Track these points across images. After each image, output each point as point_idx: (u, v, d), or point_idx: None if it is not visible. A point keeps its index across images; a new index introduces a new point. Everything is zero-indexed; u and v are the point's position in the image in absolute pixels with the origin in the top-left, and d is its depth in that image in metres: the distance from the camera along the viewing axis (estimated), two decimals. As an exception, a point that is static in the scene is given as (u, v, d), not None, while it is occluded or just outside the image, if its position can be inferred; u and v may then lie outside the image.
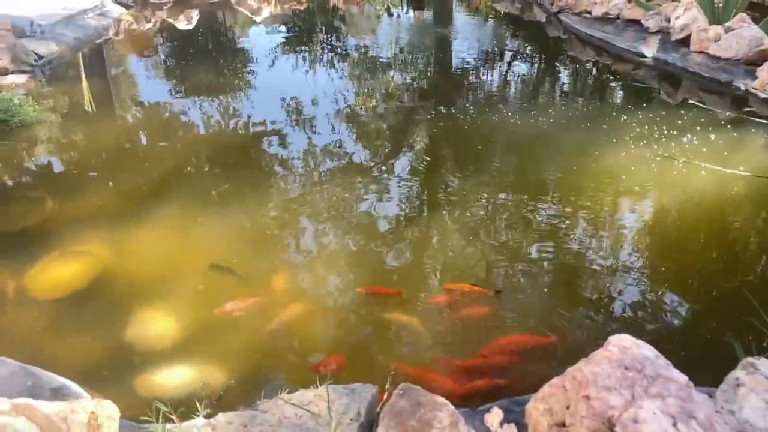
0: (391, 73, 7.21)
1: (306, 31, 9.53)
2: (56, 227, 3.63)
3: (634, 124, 5.14)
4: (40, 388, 2.04)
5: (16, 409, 1.54)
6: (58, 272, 3.24)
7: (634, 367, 1.55)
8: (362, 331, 2.84)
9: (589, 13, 8.44)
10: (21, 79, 6.24)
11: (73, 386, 2.15)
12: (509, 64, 7.75)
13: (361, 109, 5.90)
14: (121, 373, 2.53)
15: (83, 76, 6.89)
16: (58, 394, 2.03)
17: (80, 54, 7.67)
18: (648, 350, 1.62)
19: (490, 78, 7.13)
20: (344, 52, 8.34)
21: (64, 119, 5.46)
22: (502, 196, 4.07)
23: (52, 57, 7.14)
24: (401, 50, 8.38)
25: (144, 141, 5.19)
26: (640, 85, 6.46)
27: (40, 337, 2.77)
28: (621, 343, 1.63)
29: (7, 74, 6.14)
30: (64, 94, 6.15)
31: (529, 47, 8.75)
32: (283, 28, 9.58)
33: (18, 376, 2.06)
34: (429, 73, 7.39)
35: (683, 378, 1.58)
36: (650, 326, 2.85)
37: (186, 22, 9.71)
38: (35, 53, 6.81)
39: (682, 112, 5.45)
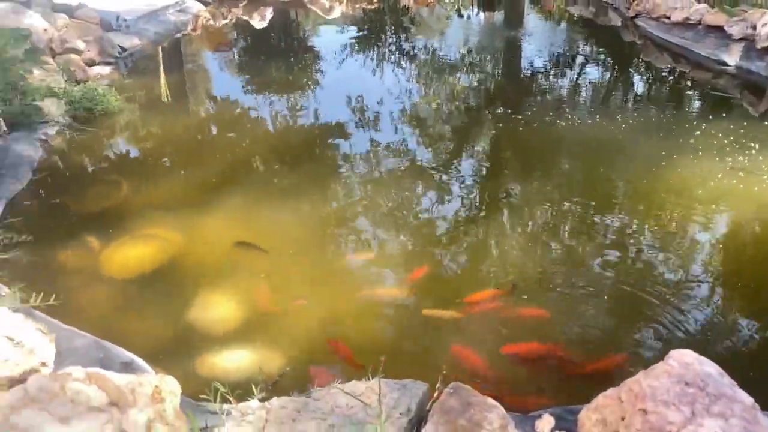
0: (459, 74, 7.18)
1: (376, 31, 9.62)
2: (130, 211, 3.83)
3: (713, 135, 4.90)
4: (110, 360, 2.17)
5: (89, 378, 1.65)
6: (131, 253, 3.42)
7: (695, 384, 1.50)
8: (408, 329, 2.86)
9: (668, 18, 8.11)
10: (106, 70, 6.59)
11: (141, 362, 2.28)
12: (581, 68, 7.56)
13: (427, 109, 5.91)
14: (184, 352, 2.64)
15: (161, 69, 7.21)
16: (127, 367, 2.15)
17: (160, 48, 8.03)
18: (711, 367, 1.57)
19: (560, 83, 6.98)
20: (412, 53, 8.36)
21: (142, 109, 5.74)
22: (566, 204, 3.98)
23: (135, 50, 7.51)
24: (470, 52, 8.32)
25: (215, 133, 5.39)
26: (721, 94, 6.16)
27: (112, 314, 2.93)
28: (682, 358, 1.58)
29: (93, 65, 6.51)
30: (144, 85, 6.46)
31: (603, 52, 8.51)
32: (353, 27, 9.71)
33: (92, 348, 2.20)
34: (497, 76, 7.31)
35: (749, 399, 1.52)
36: (717, 344, 2.74)
37: (260, 19, 9.99)
38: (120, 46, 7.18)
39: (766, 123, 5.17)
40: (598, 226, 3.73)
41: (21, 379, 1.78)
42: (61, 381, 1.62)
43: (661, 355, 1.70)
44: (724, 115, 5.45)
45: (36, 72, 5.28)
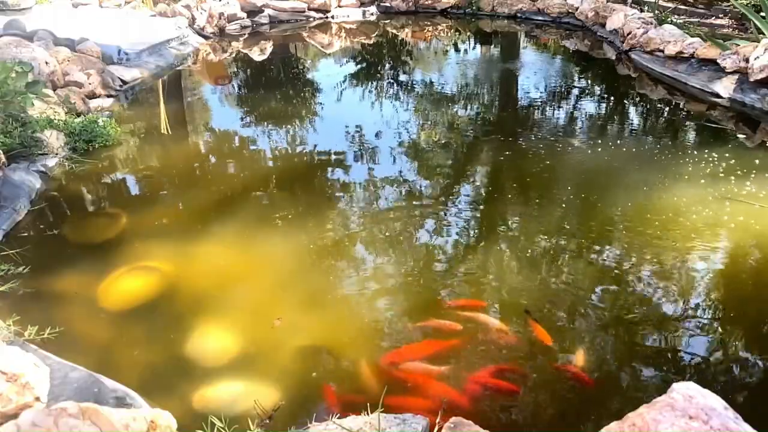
0: (456, 107, 7.25)
1: (373, 65, 9.75)
2: (129, 242, 3.82)
3: (707, 166, 4.95)
4: (104, 394, 2.13)
5: (83, 413, 1.62)
6: (127, 285, 3.40)
7: (699, 417, 1.48)
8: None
9: (662, 51, 8.26)
10: (107, 102, 6.65)
11: (135, 396, 2.24)
12: (576, 100, 7.65)
13: (423, 141, 5.95)
14: (180, 386, 2.60)
15: (161, 101, 7.28)
16: (121, 402, 2.11)
17: (160, 81, 8.12)
18: (715, 400, 1.55)
19: (556, 114, 7.06)
20: (410, 85, 8.46)
21: (142, 141, 5.78)
22: (562, 233, 3.99)
23: (135, 83, 7.59)
24: (467, 84, 8.43)
25: (213, 164, 5.41)
26: (714, 125, 6.23)
27: (108, 347, 2.90)
28: (685, 391, 1.56)
29: (94, 97, 6.57)
30: (144, 117, 6.51)
31: (598, 84, 8.63)
32: (352, 60, 9.84)
33: (87, 382, 2.17)
34: (494, 108, 7.39)
35: (754, 433, 1.49)
36: (719, 378, 2.71)
37: (260, 53, 10.13)
38: (121, 79, 7.26)
39: (761, 155, 5.21)
40: (599, 251, 3.73)
41: (14, 415, 1.75)
42: (55, 416, 1.59)
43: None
44: (718, 146, 5.50)
45: (37, 104, 5.32)
